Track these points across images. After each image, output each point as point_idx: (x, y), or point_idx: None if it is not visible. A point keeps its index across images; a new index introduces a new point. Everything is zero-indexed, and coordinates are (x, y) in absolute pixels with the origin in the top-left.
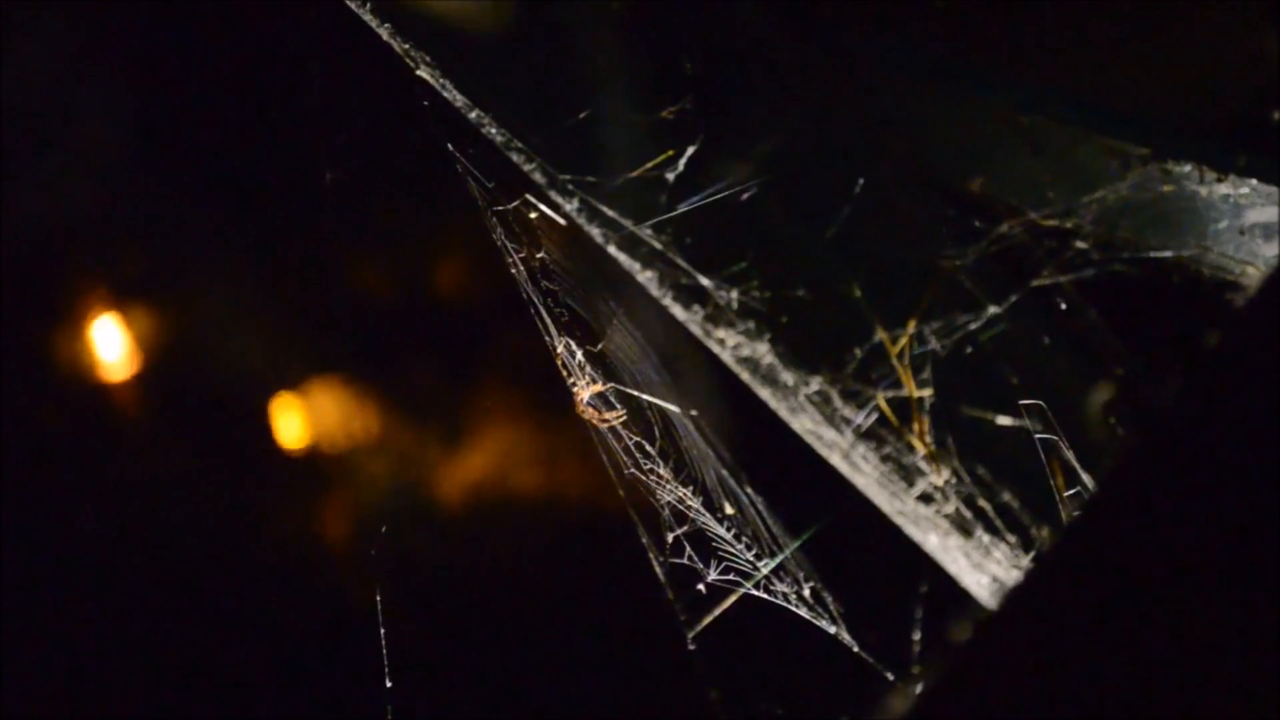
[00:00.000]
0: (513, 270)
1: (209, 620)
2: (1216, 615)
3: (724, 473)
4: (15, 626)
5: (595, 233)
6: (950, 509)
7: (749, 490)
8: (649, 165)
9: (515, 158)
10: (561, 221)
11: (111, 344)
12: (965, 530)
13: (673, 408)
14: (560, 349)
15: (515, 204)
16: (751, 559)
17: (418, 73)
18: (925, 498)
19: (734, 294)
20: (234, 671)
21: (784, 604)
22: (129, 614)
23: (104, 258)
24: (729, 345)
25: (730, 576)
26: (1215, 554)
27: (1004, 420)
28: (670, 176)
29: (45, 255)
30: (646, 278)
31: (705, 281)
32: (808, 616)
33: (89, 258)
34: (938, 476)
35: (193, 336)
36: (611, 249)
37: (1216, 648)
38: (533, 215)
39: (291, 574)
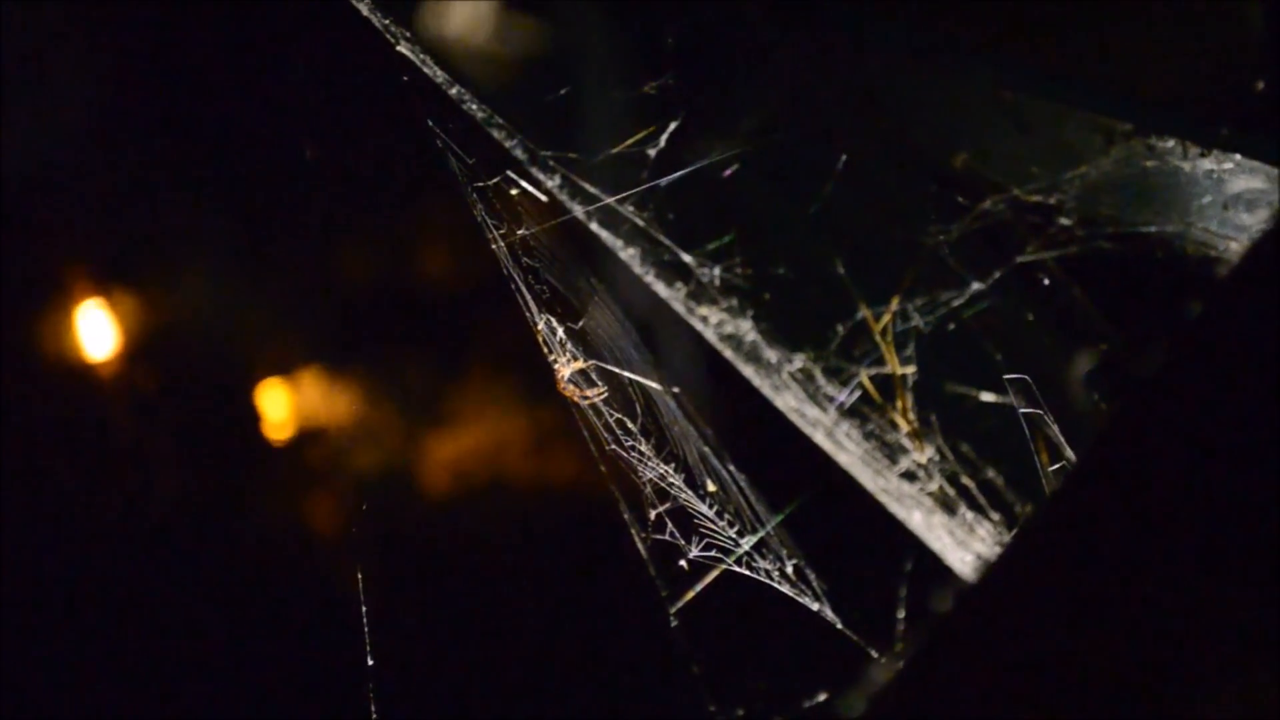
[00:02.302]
0: (493, 247)
1: (193, 602)
2: (1198, 587)
3: (706, 450)
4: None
5: (577, 209)
6: (934, 486)
7: (731, 467)
8: (630, 141)
9: (496, 134)
10: (543, 198)
11: (91, 328)
12: (949, 508)
13: (654, 385)
14: (541, 326)
15: (496, 180)
16: (734, 536)
17: (398, 48)
18: (909, 475)
19: (716, 271)
20: (218, 651)
21: (767, 581)
22: (110, 598)
23: (81, 241)
24: (712, 322)
25: (712, 553)
26: (1196, 525)
27: (987, 397)
28: (652, 152)
29: (22, 236)
30: (629, 255)
31: (687, 258)
32: (790, 593)
33: (65, 239)
34: (921, 454)
35: (173, 320)
36: (593, 225)
37: (1198, 620)
38: (514, 192)
39: (276, 557)
